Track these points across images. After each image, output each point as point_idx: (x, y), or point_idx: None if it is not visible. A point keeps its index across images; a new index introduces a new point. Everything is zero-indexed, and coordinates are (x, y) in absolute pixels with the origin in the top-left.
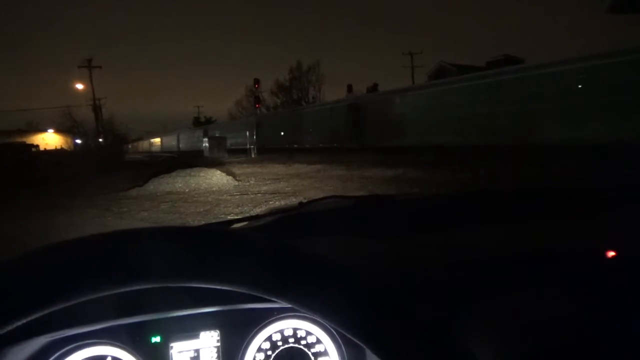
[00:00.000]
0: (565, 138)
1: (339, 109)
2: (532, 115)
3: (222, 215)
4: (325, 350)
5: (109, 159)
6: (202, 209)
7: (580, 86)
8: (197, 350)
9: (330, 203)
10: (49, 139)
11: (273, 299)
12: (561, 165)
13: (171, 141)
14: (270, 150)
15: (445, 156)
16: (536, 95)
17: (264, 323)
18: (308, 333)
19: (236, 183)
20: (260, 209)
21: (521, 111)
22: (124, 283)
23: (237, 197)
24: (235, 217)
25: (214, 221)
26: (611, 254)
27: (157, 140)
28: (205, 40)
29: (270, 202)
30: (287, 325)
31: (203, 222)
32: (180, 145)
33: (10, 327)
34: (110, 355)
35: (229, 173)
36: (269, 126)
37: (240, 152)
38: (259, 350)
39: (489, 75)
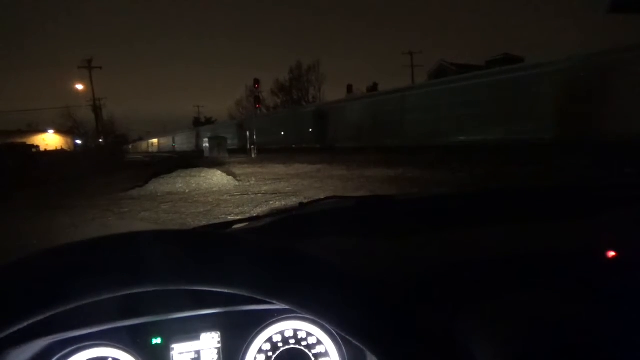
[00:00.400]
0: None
1: (306, 114)
2: (450, 120)
3: (223, 216)
4: (326, 351)
5: (109, 160)
6: (202, 209)
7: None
8: (197, 352)
9: (331, 203)
10: (49, 140)
11: (273, 301)
12: (561, 164)
13: (167, 142)
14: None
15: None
16: (460, 104)
17: (265, 324)
18: (309, 334)
19: (237, 183)
20: (261, 209)
21: (446, 116)
22: (124, 286)
23: (237, 197)
24: (236, 218)
25: (214, 222)
26: (611, 254)
27: (154, 141)
28: (206, 40)
29: (271, 203)
30: (287, 327)
31: (204, 223)
32: (175, 147)
33: (11, 330)
34: (111, 357)
35: (229, 173)
36: (250, 129)
37: (231, 152)
38: (260, 351)
39: (423, 86)
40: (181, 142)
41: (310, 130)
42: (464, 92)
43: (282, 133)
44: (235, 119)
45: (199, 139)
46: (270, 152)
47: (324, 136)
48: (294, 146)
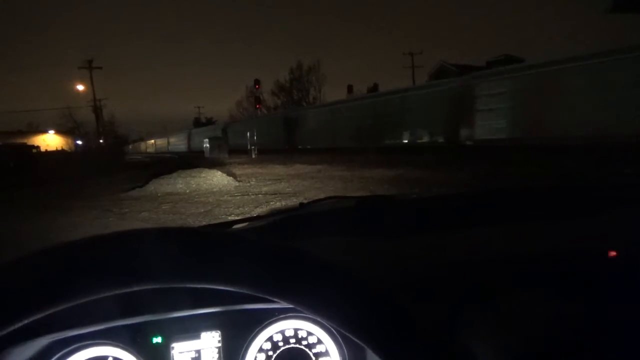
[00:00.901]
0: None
1: (277, 119)
2: (368, 128)
3: (223, 216)
4: (327, 350)
5: (109, 160)
6: (202, 210)
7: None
8: (198, 351)
9: (331, 204)
10: (50, 140)
11: (274, 299)
12: (562, 165)
13: (163, 143)
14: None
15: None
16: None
17: (265, 323)
18: (309, 333)
19: (237, 184)
20: (261, 210)
21: (365, 124)
22: (124, 284)
23: (238, 197)
24: (236, 218)
25: (214, 222)
26: (612, 254)
27: (151, 142)
28: (207, 40)
29: (272, 203)
30: (288, 326)
31: (204, 223)
32: (170, 147)
33: (11, 328)
34: (112, 356)
35: (229, 174)
36: (233, 131)
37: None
38: (260, 350)
39: (370, 96)
40: (175, 143)
41: (282, 133)
42: (376, 106)
43: (260, 135)
44: (236, 120)
45: (189, 140)
46: (269, 152)
47: (292, 138)
48: (269, 147)
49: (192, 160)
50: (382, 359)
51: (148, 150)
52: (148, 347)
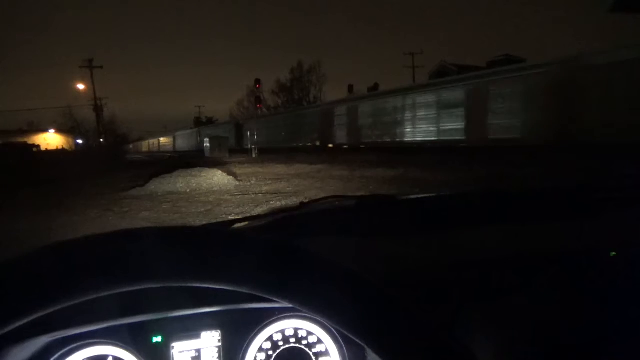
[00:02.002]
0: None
1: (231, 125)
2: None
3: (223, 216)
4: (327, 350)
5: (110, 159)
6: (203, 209)
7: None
8: (198, 350)
9: (331, 203)
10: (50, 139)
11: (274, 299)
12: (562, 165)
13: (156, 144)
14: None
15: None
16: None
17: (265, 323)
18: (309, 333)
19: (237, 183)
20: (261, 209)
21: (292, 130)
22: (125, 283)
23: (238, 197)
24: (236, 217)
25: (215, 221)
26: (612, 254)
27: (145, 142)
28: (208, 40)
29: (272, 203)
30: (288, 325)
31: (204, 222)
32: (161, 148)
33: (11, 327)
34: (112, 355)
35: (229, 173)
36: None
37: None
38: (260, 350)
39: (319, 105)
40: (165, 143)
41: (234, 136)
42: (297, 117)
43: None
44: (236, 119)
45: (174, 142)
46: (270, 152)
47: (241, 140)
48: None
49: (192, 159)
50: (382, 358)
51: (143, 149)
52: (148, 346)
